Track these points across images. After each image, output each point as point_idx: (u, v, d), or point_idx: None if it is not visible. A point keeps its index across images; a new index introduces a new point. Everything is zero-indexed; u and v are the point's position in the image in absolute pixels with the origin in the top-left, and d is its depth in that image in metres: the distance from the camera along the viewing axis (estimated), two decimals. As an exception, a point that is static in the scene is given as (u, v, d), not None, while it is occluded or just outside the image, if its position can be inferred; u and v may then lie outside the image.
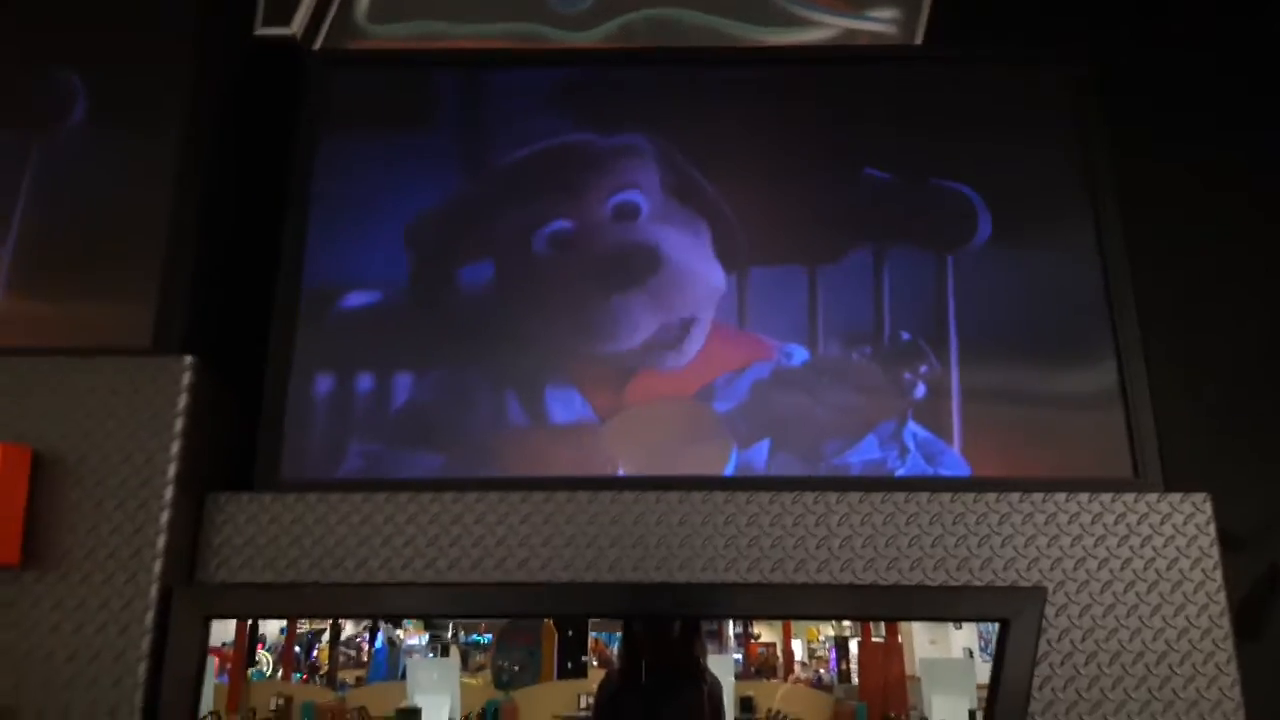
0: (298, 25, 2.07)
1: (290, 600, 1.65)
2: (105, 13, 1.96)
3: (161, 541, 1.60)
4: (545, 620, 3.23)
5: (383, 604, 1.69)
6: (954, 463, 1.77)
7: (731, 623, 3.05)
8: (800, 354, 1.83)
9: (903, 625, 2.35)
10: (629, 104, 2.01)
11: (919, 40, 2.06)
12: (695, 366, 1.82)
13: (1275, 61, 2.13)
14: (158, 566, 1.59)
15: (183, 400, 1.66)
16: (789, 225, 1.92)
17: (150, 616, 1.57)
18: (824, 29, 2.08)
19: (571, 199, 1.91)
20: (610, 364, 1.82)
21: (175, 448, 1.64)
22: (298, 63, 2.05)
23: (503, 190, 1.94)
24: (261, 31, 2.07)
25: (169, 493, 1.62)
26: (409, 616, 1.62)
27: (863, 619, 1.74)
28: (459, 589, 1.67)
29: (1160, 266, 1.96)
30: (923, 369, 1.81)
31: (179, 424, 1.65)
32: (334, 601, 1.67)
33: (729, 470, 1.76)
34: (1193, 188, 2.05)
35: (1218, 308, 1.99)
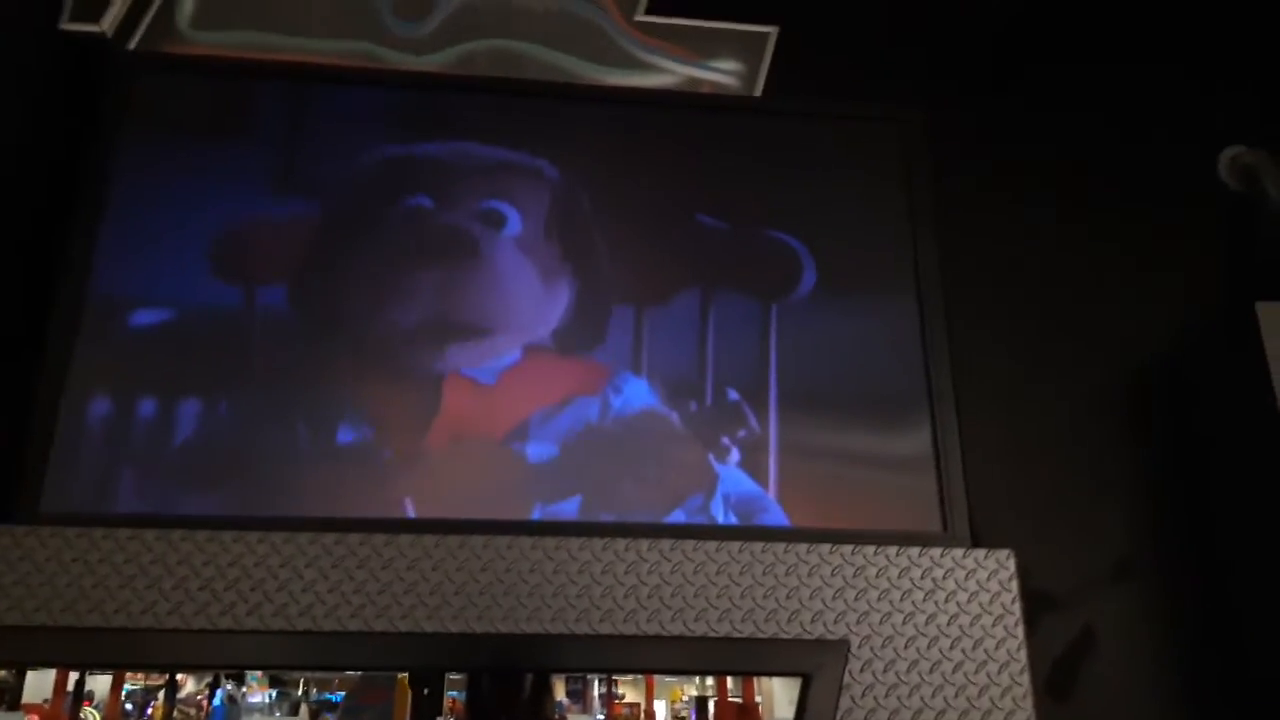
0: (109, 23, 1.94)
1: (26, 648, 1.47)
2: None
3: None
4: (400, 677, 3.05)
5: (141, 653, 1.52)
6: (768, 521, 1.74)
7: (596, 681, 2.93)
8: (621, 400, 1.78)
9: (763, 684, 2.31)
10: (457, 132, 1.95)
11: (758, 92, 2.09)
12: (510, 391, 1.75)
13: (1105, 115, 2.20)
14: None
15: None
16: (619, 263, 1.89)
17: None
18: (667, 75, 2.09)
19: (380, 224, 1.84)
20: (415, 386, 1.73)
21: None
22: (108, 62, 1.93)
23: (315, 211, 1.85)
24: (68, 25, 1.93)
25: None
26: (177, 670, 1.47)
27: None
28: (247, 637, 1.53)
29: (985, 324, 1.98)
30: (741, 433, 1.78)
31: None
32: (82, 649, 1.49)
33: (535, 516, 1.68)
34: (1019, 247, 2.08)
35: (1044, 369, 2.00)
